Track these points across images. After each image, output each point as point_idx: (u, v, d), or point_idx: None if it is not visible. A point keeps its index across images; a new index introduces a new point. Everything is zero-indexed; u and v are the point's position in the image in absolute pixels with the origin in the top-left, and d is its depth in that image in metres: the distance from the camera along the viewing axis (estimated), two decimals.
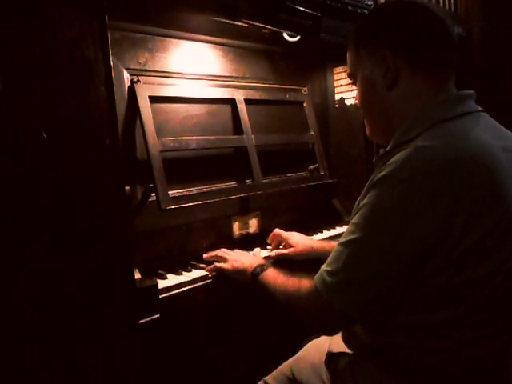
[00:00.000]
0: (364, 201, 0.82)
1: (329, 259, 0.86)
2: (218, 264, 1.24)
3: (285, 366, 1.15)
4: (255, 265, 1.13)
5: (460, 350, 0.81)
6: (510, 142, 0.87)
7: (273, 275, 1.06)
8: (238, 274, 1.17)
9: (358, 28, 0.97)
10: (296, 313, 0.95)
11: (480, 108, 0.89)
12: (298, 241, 1.39)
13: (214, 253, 1.30)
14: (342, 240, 0.85)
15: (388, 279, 0.79)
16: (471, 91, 0.89)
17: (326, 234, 1.67)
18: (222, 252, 1.28)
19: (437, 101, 0.86)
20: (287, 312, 0.98)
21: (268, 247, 1.49)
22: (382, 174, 0.79)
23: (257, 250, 1.42)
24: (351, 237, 0.82)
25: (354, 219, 0.83)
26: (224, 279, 1.22)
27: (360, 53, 0.95)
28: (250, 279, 1.12)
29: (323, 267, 0.87)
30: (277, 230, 1.45)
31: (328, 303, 0.83)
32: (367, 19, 0.97)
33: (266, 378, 1.16)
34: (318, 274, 0.87)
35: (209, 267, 1.25)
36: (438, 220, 0.74)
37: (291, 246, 1.39)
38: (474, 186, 0.75)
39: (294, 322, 0.96)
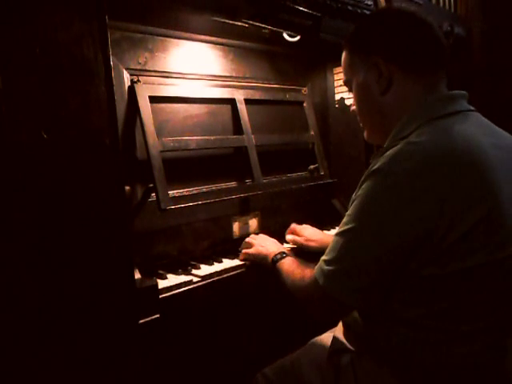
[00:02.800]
0: (358, 192, 0.86)
1: (327, 250, 0.90)
2: (244, 250, 1.33)
3: (285, 360, 1.17)
4: (277, 251, 1.21)
5: (455, 344, 0.82)
6: (501, 139, 0.90)
7: (288, 263, 1.12)
8: (262, 258, 1.25)
9: (350, 37, 1.02)
10: (301, 300, 1.00)
11: (472, 107, 0.92)
12: (310, 233, 1.48)
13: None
14: (338, 230, 0.89)
15: (379, 268, 0.82)
16: (463, 92, 0.93)
17: (326, 233, 1.67)
18: (250, 238, 1.38)
19: (429, 101, 0.90)
20: (295, 299, 1.02)
21: None
22: (375, 167, 0.83)
23: None
24: (346, 227, 0.86)
25: (349, 210, 0.88)
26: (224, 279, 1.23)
27: (354, 61, 1.00)
28: (270, 265, 1.19)
29: (322, 257, 0.91)
30: (292, 225, 1.53)
31: (324, 291, 0.87)
32: (359, 28, 1.02)
33: (265, 370, 1.17)
34: (317, 264, 0.92)
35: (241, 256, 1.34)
36: (426, 210, 0.77)
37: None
38: (461, 179, 0.78)
39: (303, 310, 1.00)
